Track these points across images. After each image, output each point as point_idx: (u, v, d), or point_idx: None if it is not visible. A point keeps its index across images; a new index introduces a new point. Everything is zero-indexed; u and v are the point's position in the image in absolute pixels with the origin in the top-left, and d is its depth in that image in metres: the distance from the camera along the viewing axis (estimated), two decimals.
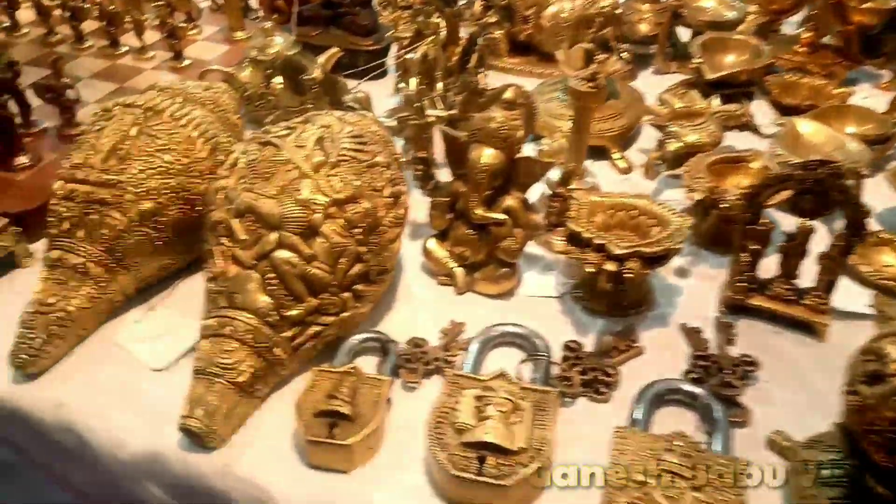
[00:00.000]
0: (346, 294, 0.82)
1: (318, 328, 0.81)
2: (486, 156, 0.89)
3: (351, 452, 0.72)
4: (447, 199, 0.95)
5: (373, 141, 0.88)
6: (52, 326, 0.82)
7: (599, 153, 1.18)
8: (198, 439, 0.74)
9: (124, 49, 1.45)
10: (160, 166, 0.89)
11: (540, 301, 0.95)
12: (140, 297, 0.92)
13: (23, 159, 1.09)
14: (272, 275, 0.78)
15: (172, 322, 0.89)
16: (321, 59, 1.31)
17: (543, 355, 0.82)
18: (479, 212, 0.91)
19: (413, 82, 1.26)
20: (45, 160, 1.10)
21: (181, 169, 0.90)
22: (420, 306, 0.93)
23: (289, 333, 0.79)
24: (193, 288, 0.95)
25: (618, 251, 0.83)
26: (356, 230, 0.81)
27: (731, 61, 1.35)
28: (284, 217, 0.78)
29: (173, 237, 0.91)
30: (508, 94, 0.90)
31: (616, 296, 0.90)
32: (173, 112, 0.93)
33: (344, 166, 0.82)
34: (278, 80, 1.23)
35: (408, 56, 1.32)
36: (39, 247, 0.97)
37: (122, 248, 0.87)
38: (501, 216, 0.91)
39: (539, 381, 0.80)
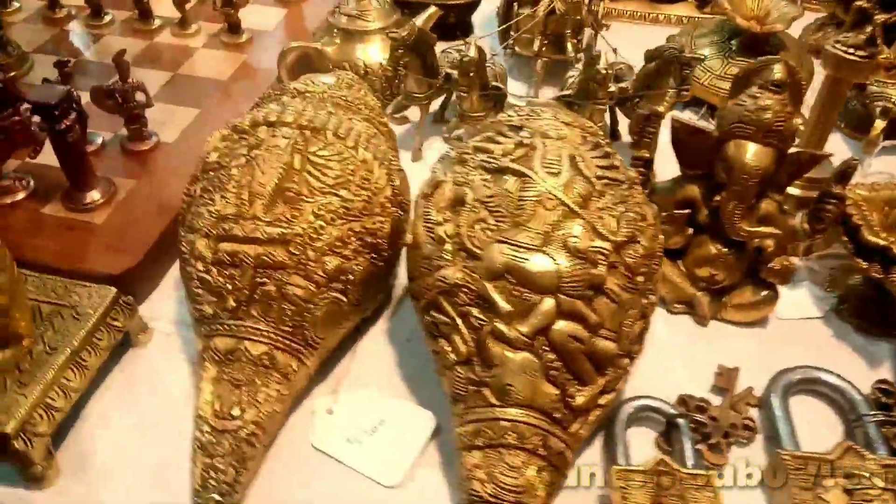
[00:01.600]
0: (626, 361, 0.63)
1: (598, 412, 0.62)
2: (756, 155, 0.70)
3: None
4: (687, 210, 0.76)
5: (608, 146, 0.67)
6: (243, 447, 0.60)
7: None
8: None
9: (157, 23, 1.16)
10: (340, 207, 0.66)
11: (798, 325, 0.78)
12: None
13: (94, 195, 0.83)
14: (552, 356, 0.58)
15: (377, 406, 0.68)
16: (419, 19, 1.06)
17: (873, 414, 0.66)
18: (746, 226, 0.72)
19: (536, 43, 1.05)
20: (118, 192, 0.85)
21: (362, 207, 0.68)
22: (660, 347, 0.75)
23: (575, 428, 0.60)
24: (370, 349, 0.75)
25: None
26: (639, 279, 0.61)
27: None
28: (562, 276, 0.58)
29: (360, 297, 0.69)
30: (779, 73, 0.70)
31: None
32: (335, 128, 0.70)
33: (608, 195, 0.62)
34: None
35: (526, 11, 1.09)
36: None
37: (310, 322, 0.65)
38: (775, 230, 0.73)
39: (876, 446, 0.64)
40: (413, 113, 0.99)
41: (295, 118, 0.69)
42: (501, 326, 0.58)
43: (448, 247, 0.62)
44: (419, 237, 0.65)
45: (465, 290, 0.60)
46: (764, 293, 0.76)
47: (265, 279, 0.64)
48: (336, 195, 0.67)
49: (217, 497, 0.59)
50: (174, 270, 0.82)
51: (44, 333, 0.67)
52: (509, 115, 0.70)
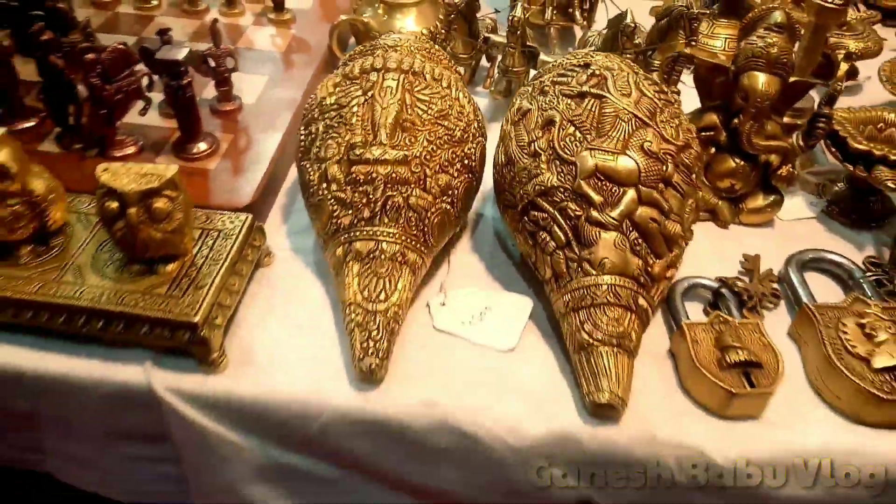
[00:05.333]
0: (684, 243, 0.80)
1: (665, 283, 0.78)
2: (766, 83, 0.88)
3: (767, 398, 0.72)
4: (710, 132, 0.93)
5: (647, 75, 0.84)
6: (391, 323, 0.74)
7: None
8: (612, 412, 0.71)
9: (203, 4, 1.27)
10: (444, 135, 0.81)
11: (798, 224, 0.97)
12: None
13: (202, 146, 0.95)
14: (635, 234, 0.75)
15: (480, 298, 0.83)
16: None
17: (871, 273, 0.85)
18: (760, 141, 0.90)
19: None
20: (221, 143, 0.97)
21: (461, 136, 0.83)
22: (692, 246, 0.92)
23: (653, 291, 0.76)
24: (462, 260, 0.89)
25: None
26: (693, 176, 0.79)
27: None
28: (642, 172, 0.74)
29: (461, 209, 0.84)
30: (780, 18, 0.88)
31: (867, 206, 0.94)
32: (430, 72, 0.84)
33: (667, 110, 0.79)
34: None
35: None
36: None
37: (428, 227, 0.79)
38: (782, 143, 0.91)
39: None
40: None
41: (397, 65, 0.84)
42: (595, 213, 0.74)
43: (543, 157, 0.77)
44: (513, 154, 0.80)
45: (561, 189, 0.76)
46: (772, 198, 0.94)
47: (394, 192, 0.78)
48: (440, 125, 0.81)
49: (376, 360, 0.72)
50: (275, 209, 0.95)
51: (201, 250, 0.79)
52: (569, 58, 0.86)
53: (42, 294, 0.73)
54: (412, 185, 0.78)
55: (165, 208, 0.72)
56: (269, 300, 0.83)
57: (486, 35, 1.12)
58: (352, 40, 1.26)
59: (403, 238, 0.78)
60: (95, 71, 0.86)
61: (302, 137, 0.85)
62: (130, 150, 0.95)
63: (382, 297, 0.75)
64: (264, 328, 0.80)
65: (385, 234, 0.77)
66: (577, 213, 0.75)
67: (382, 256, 0.77)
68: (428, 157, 0.79)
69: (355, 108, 0.81)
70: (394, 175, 0.78)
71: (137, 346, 0.75)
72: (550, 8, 1.26)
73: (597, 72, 0.80)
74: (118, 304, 0.72)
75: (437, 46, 0.94)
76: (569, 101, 0.79)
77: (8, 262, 0.76)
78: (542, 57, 1.11)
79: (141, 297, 0.73)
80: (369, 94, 0.81)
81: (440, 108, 0.82)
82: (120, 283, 0.75)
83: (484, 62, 1.20)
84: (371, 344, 0.73)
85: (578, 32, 1.29)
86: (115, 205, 0.71)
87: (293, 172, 0.96)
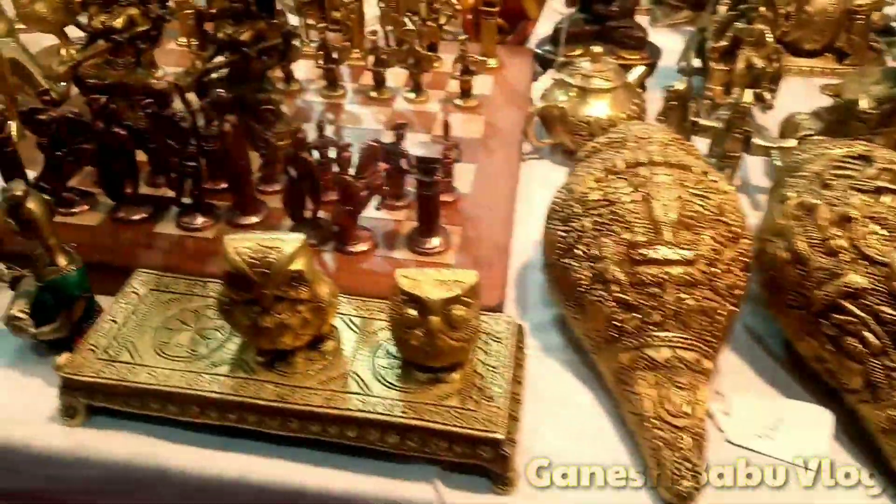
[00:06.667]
0: None
1: None
2: None
3: None
4: None
5: None
6: (700, 440, 0.69)
7: None
8: None
9: (387, 94, 1.28)
10: (726, 232, 0.77)
11: None
12: None
13: (435, 241, 0.92)
14: None
15: (770, 407, 0.78)
16: (631, 77, 1.21)
17: None
18: None
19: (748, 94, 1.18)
20: (451, 237, 0.95)
21: (740, 231, 0.79)
22: None
23: None
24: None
25: None
26: None
27: None
28: None
29: (738, 305, 0.80)
30: None
31: None
32: (700, 166, 0.81)
33: None
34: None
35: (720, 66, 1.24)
36: None
37: (720, 332, 0.75)
38: None
39: None
40: None
41: (664, 159, 0.81)
42: None
43: (844, 256, 0.73)
44: (803, 252, 0.76)
45: (873, 291, 0.71)
46: None
47: (685, 295, 0.74)
48: (721, 221, 0.78)
49: (693, 484, 0.67)
50: (508, 303, 0.92)
51: (476, 355, 0.75)
52: (835, 148, 0.83)
53: (331, 405, 0.70)
54: (703, 287, 0.74)
55: (464, 316, 0.69)
56: (538, 406, 0.79)
57: (694, 119, 1.09)
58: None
59: (698, 344, 0.74)
60: (346, 168, 0.86)
61: (561, 234, 0.82)
62: (365, 245, 0.93)
63: (688, 410, 0.70)
64: (542, 438, 0.75)
65: (681, 340, 0.73)
66: (893, 317, 0.70)
67: (680, 365, 0.72)
68: (716, 256, 0.76)
69: (629, 205, 0.78)
70: (686, 276, 0.74)
71: (421, 462, 0.71)
72: (739, 87, 1.24)
73: (884, 165, 0.76)
74: (414, 417, 0.69)
75: (678, 136, 0.92)
76: (862, 196, 0.75)
77: (286, 371, 0.74)
78: (757, 141, 1.08)
79: (434, 408, 0.70)
80: (642, 190, 0.78)
81: (716, 203, 0.78)
82: (409, 393, 0.71)
83: None
84: (685, 466, 0.68)
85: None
86: (414, 312, 0.69)
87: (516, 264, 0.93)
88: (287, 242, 0.69)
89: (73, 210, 0.98)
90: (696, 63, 1.35)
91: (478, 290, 0.70)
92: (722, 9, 1.39)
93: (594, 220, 0.79)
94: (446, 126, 0.97)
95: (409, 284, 0.69)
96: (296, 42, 1.16)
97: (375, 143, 0.87)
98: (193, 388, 0.72)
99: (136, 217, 0.97)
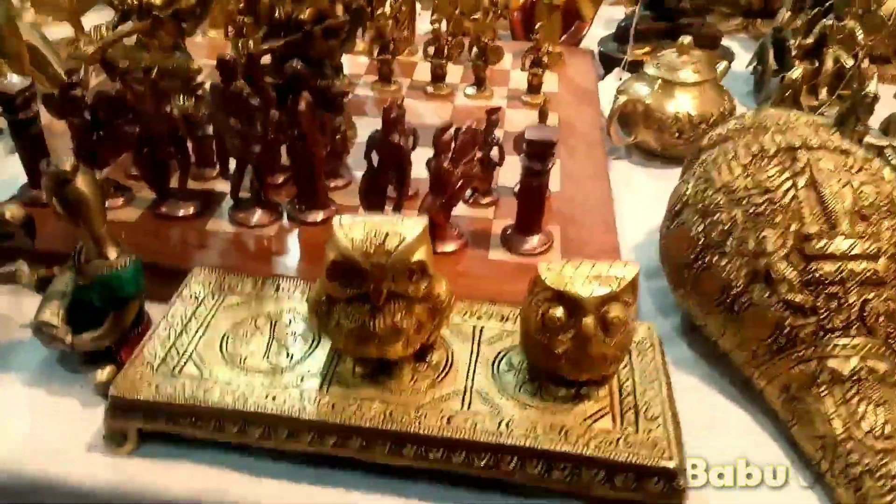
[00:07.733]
0: None
1: None
2: None
3: None
4: None
5: None
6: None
7: None
8: None
9: (447, 89, 1.17)
10: None
11: None
12: None
13: (534, 241, 0.80)
14: None
15: None
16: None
17: None
18: None
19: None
20: (553, 237, 0.82)
21: None
22: None
23: None
24: None
25: None
26: None
27: None
28: None
29: None
30: None
31: None
32: (860, 152, 0.70)
33: None
34: None
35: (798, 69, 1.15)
36: None
37: None
38: None
39: None
40: None
41: (821, 143, 0.70)
42: None
43: None
44: None
45: None
46: None
47: (870, 296, 0.62)
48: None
49: None
50: None
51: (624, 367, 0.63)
52: None
53: (455, 430, 0.57)
54: (889, 286, 0.63)
55: (622, 318, 0.56)
56: (683, 429, 0.66)
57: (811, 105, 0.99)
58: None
59: (889, 353, 0.61)
60: (448, 152, 0.73)
61: (702, 229, 0.70)
62: (454, 244, 0.80)
63: (887, 431, 0.58)
64: (696, 468, 0.62)
65: (870, 348, 0.61)
66: None
67: (871, 378, 0.60)
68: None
69: (791, 192, 0.66)
70: (869, 273, 0.62)
71: (564, 497, 0.58)
72: (825, 87, 1.15)
73: None
74: (561, 443, 0.56)
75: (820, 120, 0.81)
76: None
77: (393, 387, 0.60)
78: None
79: (585, 432, 0.57)
80: (805, 176, 0.67)
81: (887, 191, 0.67)
82: (548, 413, 0.58)
83: None
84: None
85: None
86: (560, 312, 0.56)
87: None
88: (407, 227, 0.57)
89: (108, 205, 0.84)
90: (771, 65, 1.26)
91: (637, 288, 0.58)
92: (784, 12, 1.31)
93: (744, 210, 0.68)
94: (542, 115, 0.86)
95: (555, 279, 0.56)
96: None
97: (476, 127, 0.75)
98: (284, 409, 0.58)
99: (181, 213, 0.84)
